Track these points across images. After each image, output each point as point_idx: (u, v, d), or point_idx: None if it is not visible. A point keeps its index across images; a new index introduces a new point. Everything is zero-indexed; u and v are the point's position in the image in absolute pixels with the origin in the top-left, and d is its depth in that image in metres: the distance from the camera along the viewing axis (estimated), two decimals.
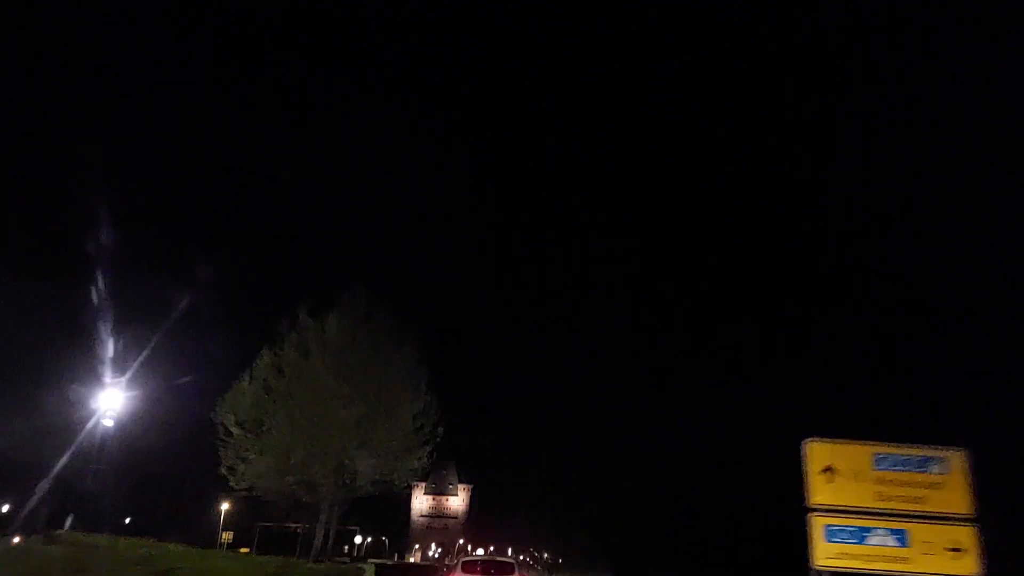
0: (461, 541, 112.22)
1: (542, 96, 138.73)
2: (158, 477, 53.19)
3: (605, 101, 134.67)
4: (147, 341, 24.73)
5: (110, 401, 22.32)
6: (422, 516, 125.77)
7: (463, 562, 19.84)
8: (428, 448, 33.95)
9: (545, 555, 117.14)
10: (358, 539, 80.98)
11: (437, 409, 34.07)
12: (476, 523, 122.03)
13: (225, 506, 59.61)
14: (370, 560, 58.37)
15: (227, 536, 58.82)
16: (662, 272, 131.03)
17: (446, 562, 68.61)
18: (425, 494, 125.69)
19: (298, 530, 72.60)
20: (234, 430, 30.74)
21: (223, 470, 31.06)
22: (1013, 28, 72.35)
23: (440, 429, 33.99)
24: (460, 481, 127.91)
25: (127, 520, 52.62)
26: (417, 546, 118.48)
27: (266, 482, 31.89)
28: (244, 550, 54.80)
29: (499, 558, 24.31)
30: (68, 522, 24.82)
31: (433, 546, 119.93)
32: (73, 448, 22.36)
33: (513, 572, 19.09)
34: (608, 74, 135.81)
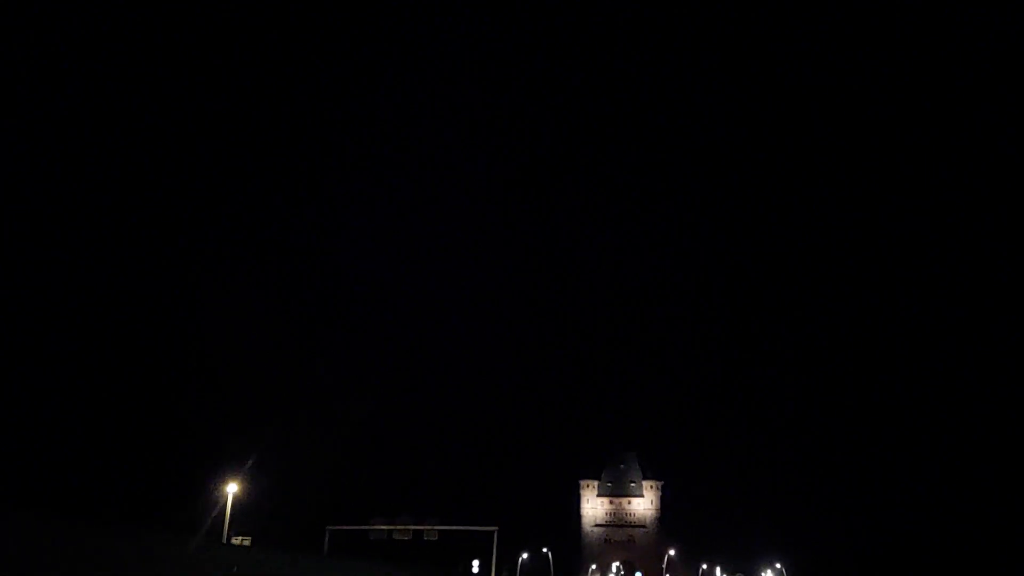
0: (672, 553, 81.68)
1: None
2: None
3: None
4: None
5: None
6: (597, 525, 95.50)
7: None
8: None
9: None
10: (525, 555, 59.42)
11: None
12: (672, 533, 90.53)
13: (232, 489, 33.54)
14: None
15: (240, 539, 33.11)
16: None
17: None
18: (599, 496, 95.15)
19: (394, 535, 46.58)
20: None
21: None
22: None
23: None
24: (645, 477, 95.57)
25: None
26: (594, 566, 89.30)
27: None
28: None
29: None
30: None
31: (615, 567, 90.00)
32: None
33: None
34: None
